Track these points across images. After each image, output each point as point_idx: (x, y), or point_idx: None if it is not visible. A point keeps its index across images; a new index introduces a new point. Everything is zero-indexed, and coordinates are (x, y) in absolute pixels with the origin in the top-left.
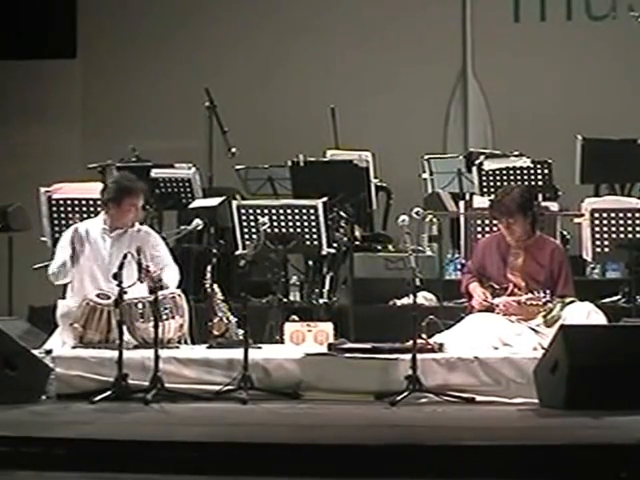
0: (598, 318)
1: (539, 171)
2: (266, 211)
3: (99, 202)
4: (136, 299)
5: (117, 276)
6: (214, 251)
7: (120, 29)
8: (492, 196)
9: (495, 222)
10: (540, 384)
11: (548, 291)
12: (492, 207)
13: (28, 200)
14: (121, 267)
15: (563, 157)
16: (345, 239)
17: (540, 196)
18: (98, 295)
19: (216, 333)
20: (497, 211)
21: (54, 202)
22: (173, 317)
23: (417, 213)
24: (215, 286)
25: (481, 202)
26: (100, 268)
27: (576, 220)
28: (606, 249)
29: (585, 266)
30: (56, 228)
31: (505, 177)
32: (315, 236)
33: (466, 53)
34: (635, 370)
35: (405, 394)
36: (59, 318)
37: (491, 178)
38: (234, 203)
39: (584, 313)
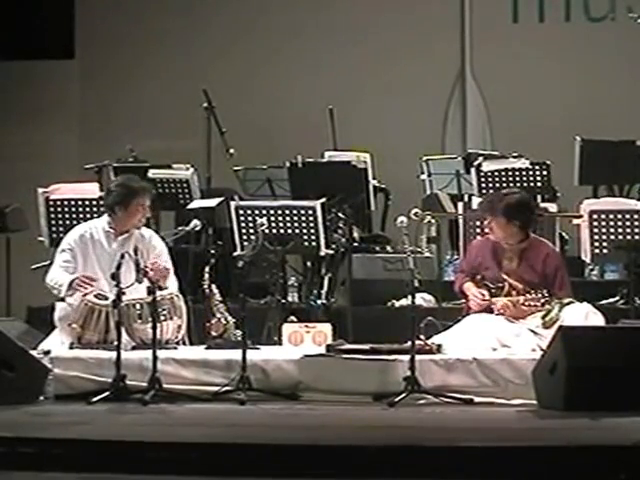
0: (596, 319)
1: (538, 172)
2: (264, 212)
3: (95, 202)
4: (134, 300)
5: (115, 276)
6: (212, 252)
7: (118, 30)
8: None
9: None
10: (539, 385)
11: (545, 291)
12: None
13: (26, 201)
14: (119, 267)
15: (562, 158)
16: (343, 240)
17: (539, 197)
18: (96, 296)
19: (214, 334)
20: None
21: (51, 203)
22: (171, 318)
23: (415, 214)
24: (213, 287)
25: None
26: (104, 272)
27: (575, 221)
28: (605, 250)
29: (584, 267)
30: (53, 229)
31: (504, 178)
32: (313, 237)
33: (464, 54)
34: (634, 371)
35: (403, 395)
36: (57, 320)
37: (490, 179)
38: (232, 204)
39: (582, 314)
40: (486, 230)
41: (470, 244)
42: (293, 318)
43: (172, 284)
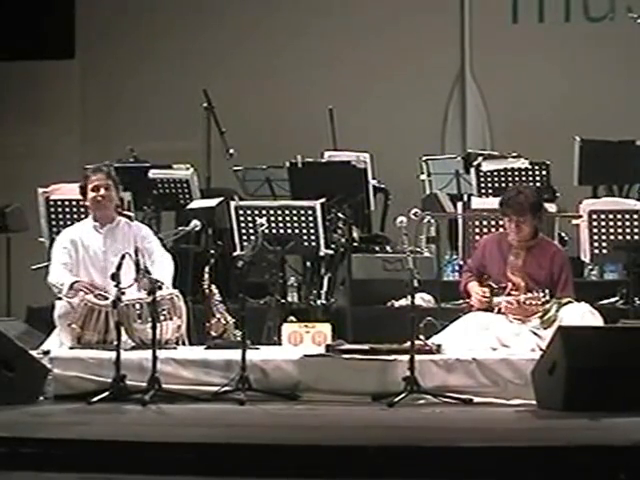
0: (593, 319)
1: (537, 172)
2: (264, 212)
3: None
4: (134, 300)
5: (115, 277)
6: (212, 252)
7: (118, 30)
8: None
9: (494, 222)
10: (538, 385)
11: (547, 290)
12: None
13: (26, 201)
14: (119, 268)
15: (561, 158)
16: (343, 240)
17: None
18: (96, 296)
19: (214, 334)
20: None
21: (52, 203)
22: (171, 318)
23: (415, 214)
24: (213, 287)
25: (479, 203)
26: (95, 266)
27: (574, 221)
28: (604, 250)
29: (583, 267)
30: (54, 229)
31: (503, 178)
32: (313, 237)
33: (464, 54)
34: (633, 371)
35: (403, 395)
36: (57, 318)
37: (489, 179)
38: (232, 204)
39: (578, 314)
40: (511, 232)
41: (478, 242)
42: (293, 318)
43: (168, 266)
